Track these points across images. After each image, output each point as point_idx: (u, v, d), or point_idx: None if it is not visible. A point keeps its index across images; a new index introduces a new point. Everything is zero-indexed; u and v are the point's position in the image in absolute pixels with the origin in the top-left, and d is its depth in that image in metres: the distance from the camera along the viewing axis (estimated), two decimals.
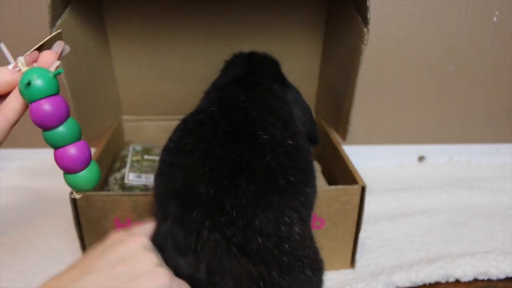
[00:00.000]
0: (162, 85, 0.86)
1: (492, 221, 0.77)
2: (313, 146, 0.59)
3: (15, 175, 0.90)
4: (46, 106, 0.34)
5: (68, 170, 0.37)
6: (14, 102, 0.35)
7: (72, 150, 0.36)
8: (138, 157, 0.79)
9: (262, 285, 0.38)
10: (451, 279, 0.63)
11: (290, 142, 0.49)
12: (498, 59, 0.92)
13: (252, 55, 0.69)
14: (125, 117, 0.89)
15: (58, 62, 0.37)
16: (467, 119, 0.98)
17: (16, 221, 0.76)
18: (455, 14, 0.87)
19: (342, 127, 0.75)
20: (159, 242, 0.42)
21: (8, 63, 0.36)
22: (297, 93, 0.65)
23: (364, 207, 0.61)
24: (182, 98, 0.87)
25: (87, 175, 0.38)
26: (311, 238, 0.45)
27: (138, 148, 0.81)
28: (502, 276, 0.64)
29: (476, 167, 0.98)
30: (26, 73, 0.34)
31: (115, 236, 0.40)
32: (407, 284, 0.62)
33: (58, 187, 0.85)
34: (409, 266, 0.64)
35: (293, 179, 0.45)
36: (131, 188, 0.73)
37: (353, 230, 0.63)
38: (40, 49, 0.37)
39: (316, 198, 0.52)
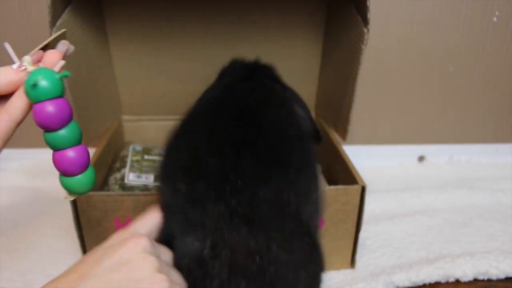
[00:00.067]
0: (162, 85, 0.86)
1: (492, 221, 0.77)
2: (317, 143, 0.60)
3: (15, 175, 0.90)
4: (50, 108, 0.34)
5: (66, 173, 0.37)
6: (19, 101, 0.35)
7: (71, 154, 0.36)
8: (138, 157, 0.79)
9: (258, 259, 0.38)
10: (451, 279, 0.63)
11: (294, 132, 0.50)
12: (498, 59, 0.92)
13: (248, 62, 0.70)
14: (125, 117, 0.89)
15: (62, 62, 0.37)
16: (467, 119, 0.98)
17: (16, 221, 0.76)
18: (455, 14, 0.87)
19: (342, 127, 0.75)
20: (166, 216, 0.42)
21: (12, 62, 0.36)
22: (295, 93, 0.66)
23: (364, 207, 0.61)
24: (182, 98, 0.86)
25: (84, 178, 0.38)
26: (309, 212, 0.45)
27: (138, 148, 0.81)
28: (502, 276, 0.64)
29: (476, 167, 0.98)
30: (32, 73, 0.34)
31: (116, 237, 0.40)
32: (407, 284, 0.62)
33: (58, 187, 0.84)
34: (409, 266, 0.64)
35: (296, 163, 0.46)
36: (131, 188, 0.73)
37: (353, 230, 0.63)
38: (44, 48, 0.37)
39: (320, 191, 0.51)
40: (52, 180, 0.86)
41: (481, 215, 0.79)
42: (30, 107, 0.36)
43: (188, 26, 0.81)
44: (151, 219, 0.43)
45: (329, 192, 0.60)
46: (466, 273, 0.63)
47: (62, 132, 0.35)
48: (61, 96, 0.35)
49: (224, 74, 0.68)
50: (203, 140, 0.45)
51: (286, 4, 0.81)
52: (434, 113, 0.97)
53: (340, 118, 0.76)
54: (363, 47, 0.61)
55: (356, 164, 0.66)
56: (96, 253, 0.37)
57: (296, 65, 0.86)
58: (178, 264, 0.41)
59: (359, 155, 0.95)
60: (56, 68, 0.36)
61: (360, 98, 0.91)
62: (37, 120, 0.35)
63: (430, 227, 0.76)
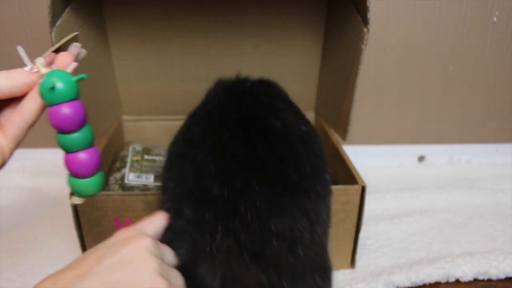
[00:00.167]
0: (162, 85, 0.86)
1: (492, 221, 0.77)
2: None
3: (15, 175, 0.90)
4: (67, 110, 0.34)
5: (77, 175, 0.37)
6: (32, 103, 0.35)
7: (83, 156, 0.36)
8: (138, 157, 0.79)
9: None
10: (451, 279, 0.63)
11: (304, 128, 0.48)
12: (498, 59, 0.92)
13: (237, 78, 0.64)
14: (125, 117, 0.89)
15: (75, 64, 0.37)
16: (467, 119, 0.98)
17: (16, 221, 0.76)
18: (455, 14, 0.87)
19: (342, 127, 0.75)
20: (171, 237, 0.41)
21: (24, 65, 0.35)
22: (298, 110, 0.63)
23: (364, 207, 0.61)
24: (182, 98, 0.87)
25: (93, 181, 0.38)
26: (321, 243, 0.44)
27: (138, 148, 0.81)
28: (502, 276, 0.64)
29: (476, 167, 0.98)
30: (49, 75, 0.34)
31: (119, 235, 0.39)
32: (407, 284, 0.62)
33: (58, 187, 0.85)
34: (409, 266, 0.64)
35: (308, 169, 0.44)
36: (131, 188, 0.73)
37: (353, 230, 0.63)
38: (57, 51, 0.37)
39: (331, 186, 0.50)
40: (52, 180, 0.87)
41: (481, 215, 0.79)
42: (43, 109, 0.36)
43: (188, 26, 0.81)
44: (158, 221, 0.42)
45: None
46: (466, 273, 0.63)
47: (76, 134, 0.36)
48: (76, 98, 0.35)
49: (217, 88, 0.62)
50: (209, 163, 0.42)
51: (286, 4, 0.81)
52: (434, 113, 0.97)
53: (340, 118, 0.76)
54: (363, 47, 0.61)
55: (356, 164, 0.66)
56: (98, 250, 0.37)
57: (296, 65, 0.86)
58: None
59: (359, 155, 0.95)
60: (69, 70, 0.36)
61: (360, 98, 0.92)
62: (52, 122, 0.35)
63: (430, 227, 0.76)
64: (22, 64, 0.35)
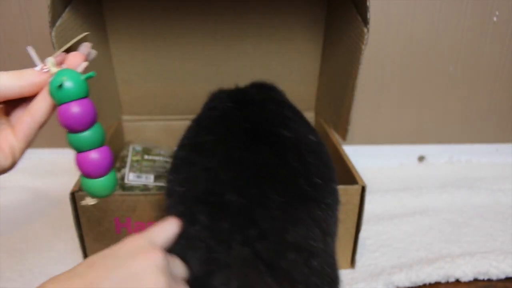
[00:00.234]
0: (162, 85, 0.86)
1: (492, 221, 0.77)
2: None
3: (15, 175, 0.90)
4: (76, 109, 0.34)
5: (89, 175, 0.36)
6: (43, 103, 0.35)
7: (95, 155, 0.36)
8: (138, 157, 0.79)
9: None
10: (451, 279, 0.63)
11: (312, 137, 0.47)
12: (498, 59, 0.92)
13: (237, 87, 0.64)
14: (125, 117, 0.89)
15: (85, 63, 0.37)
16: (467, 119, 0.98)
17: (16, 221, 0.76)
18: (455, 14, 0.87)
19: (342, 127, 0.75)
20: (184, 245, 0.39)
21: (34, 65, 0.35)
22: (301, 115, 0.63)
23: (364, 207, 0.61)
24: (182, 98, 0.87)
25: (106, 181, 0.37)
26: (332, 253, 0.44)
27: (138, 148, 0.81)
28: (502, 276, 0.64)
29: (476, 167, 0.98)
30: (58, 74, 0.34)
31: (130, 243, 0.36)
32: (407, 284, 0.62)
33: (58, 187, 0.85)
34: (409, 266, 0.64)
35: (318, 180, 0.44)
36: (131, 188, 0.73)
37: (353, 230, 0.63)
38: (67, 51, 0.37)
39: (339, 195, 0.49)
40: (52, 180, 0.87)
41: (481, 215, 0.79)
42: (53, 109, 0.36)
43: (188, 26, 0.81)
44: (170, 228, 0.40)
45: None
46: (466, 273, 0.63)
47: (86, 133, 0.35)
48: (86, 97, 0.35)
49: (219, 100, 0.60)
50: (221, 170, 0.41)
51: (286, 4, 0.81)
52: (434, 113, 0.97)
53: (340, 118, 0.76)
54: (363, 47, 0.61)
55: (356, 164, 0.66)
56: (106, 260, 0.35)
57: (296, 65, 0.86)
58: None
59: (359, 155, 0.95)
60: (79, 70, 0.36)
61: (360, 98, 0.92)
62: (62, 121, 0.34)
63: (430, 227, 0.76)
64: (29, 65, 0.35)
